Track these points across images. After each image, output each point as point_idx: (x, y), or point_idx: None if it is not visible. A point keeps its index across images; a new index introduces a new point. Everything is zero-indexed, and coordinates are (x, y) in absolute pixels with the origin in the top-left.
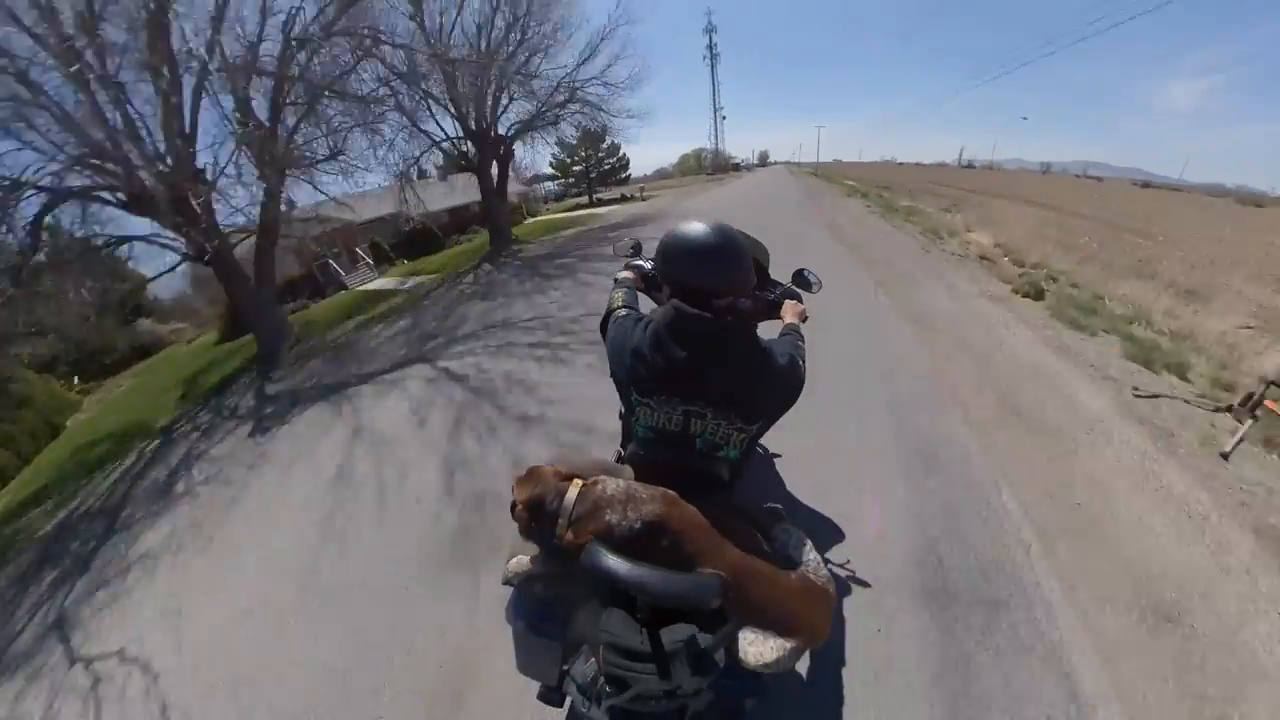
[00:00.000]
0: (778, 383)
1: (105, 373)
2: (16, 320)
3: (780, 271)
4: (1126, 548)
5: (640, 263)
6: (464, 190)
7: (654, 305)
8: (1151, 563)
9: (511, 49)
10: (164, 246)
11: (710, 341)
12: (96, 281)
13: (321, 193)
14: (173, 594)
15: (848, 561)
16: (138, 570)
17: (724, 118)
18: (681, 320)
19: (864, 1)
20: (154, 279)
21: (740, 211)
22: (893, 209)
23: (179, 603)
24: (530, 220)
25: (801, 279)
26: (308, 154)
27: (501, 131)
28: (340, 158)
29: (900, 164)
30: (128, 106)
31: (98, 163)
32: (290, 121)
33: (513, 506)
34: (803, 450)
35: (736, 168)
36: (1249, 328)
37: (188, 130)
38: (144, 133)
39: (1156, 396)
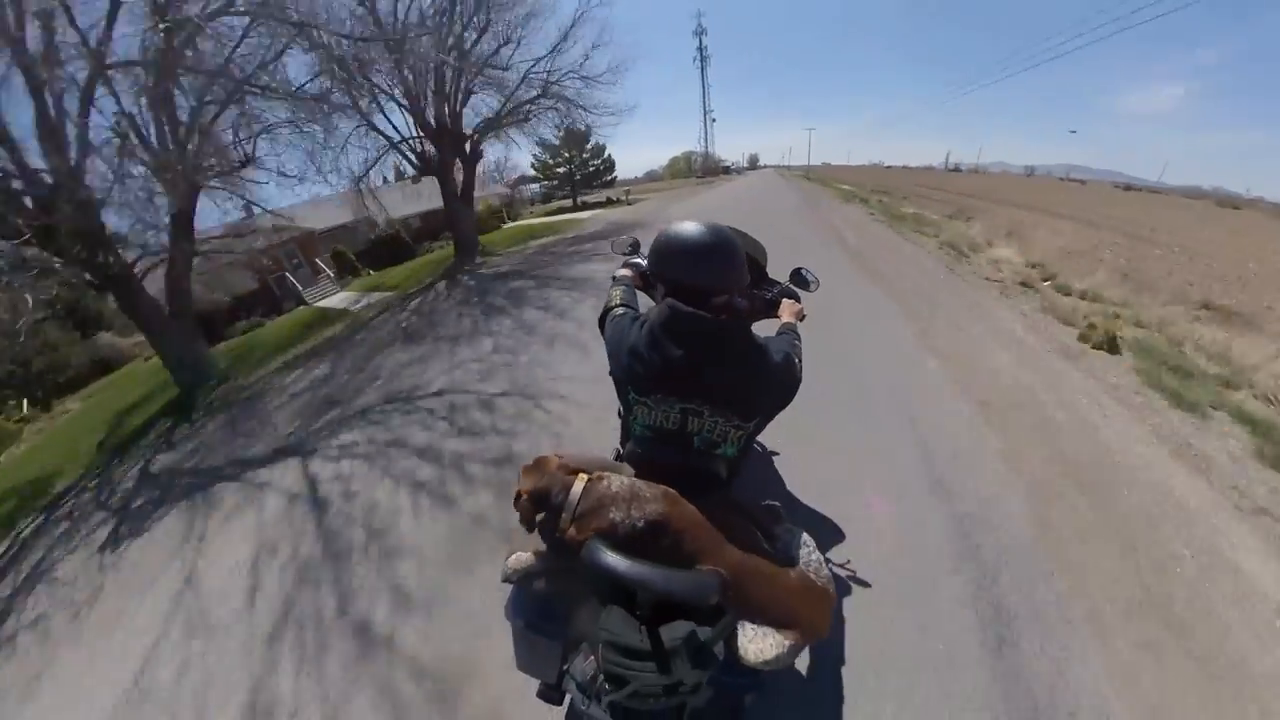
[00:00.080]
0: (774, 380)
1: (61, 391)
2: None
3: (779, 271)
4: None
5: (639, 260)
6: (436, 194)
7: (653, 304)
8: None
9: (476, 36)
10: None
11: (706, 340)
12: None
13: (256, 205)
14: None
15: (848, 561)
16: None
17: (714, 121)
18: (677, 319)
19: (853, 7)
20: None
21: (731, 215)
22: (897, 216)
23: None
24: (509, 225)
25: (799, 278)
26: (213, 163)
27: (465, 129)
28: (259, 163)
29: (888, 167)
30: None
31: None
32: (202, 122)
33: (517, 496)
34: None
35: (726, 171)
36: None
37: (70, 141)
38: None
39: None
